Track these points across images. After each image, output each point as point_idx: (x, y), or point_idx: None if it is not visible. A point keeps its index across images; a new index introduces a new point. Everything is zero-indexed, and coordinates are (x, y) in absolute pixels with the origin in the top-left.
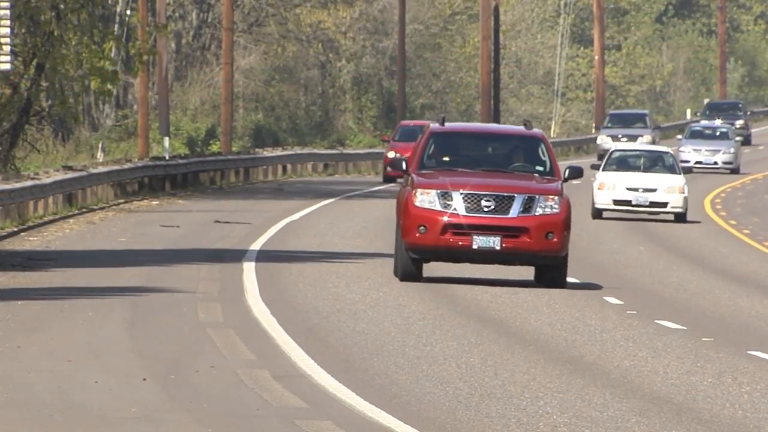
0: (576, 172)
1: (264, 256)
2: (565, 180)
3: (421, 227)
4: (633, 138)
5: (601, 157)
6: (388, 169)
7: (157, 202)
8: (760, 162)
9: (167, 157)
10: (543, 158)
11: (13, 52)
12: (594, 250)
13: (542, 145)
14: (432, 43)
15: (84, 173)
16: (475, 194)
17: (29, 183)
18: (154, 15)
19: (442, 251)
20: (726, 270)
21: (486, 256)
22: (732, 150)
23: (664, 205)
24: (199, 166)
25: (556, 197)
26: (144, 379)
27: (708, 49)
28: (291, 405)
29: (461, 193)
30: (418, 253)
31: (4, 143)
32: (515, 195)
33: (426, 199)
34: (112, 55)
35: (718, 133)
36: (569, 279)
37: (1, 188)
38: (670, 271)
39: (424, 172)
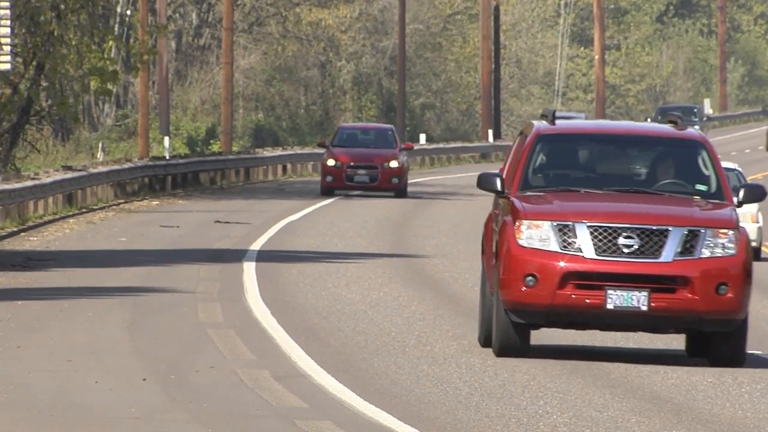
0: (757, 193)
1: (264, 256)
2: (740, 204)
3: (529, 277)
4: None
5: None
6: (328, 179)
7: (157, 202)
8: (758, 162)
9: (167, 157)
10: (706, 172)
11: (13, 52)
12: None
13: (704, 153)
14: (432, 42)
15: (84, 173)
16: (610, 227)
17: (29, 183)
18: (155, 15)
19: (560, 313)
20: None
21: (626, 321)
22: None
23: None
24: (199, 166)
25: (731, 231)
26: (144, 379)
27: (708, 49)
28: (291, 405)
29: (589, 226)
30: (525, 316)
31: (4, 143)
32: (669, 228)
33: (536, 235)
34: (112, 54)
35: None
36: None
37: (1, 188)
38: None
39: (529, 194)
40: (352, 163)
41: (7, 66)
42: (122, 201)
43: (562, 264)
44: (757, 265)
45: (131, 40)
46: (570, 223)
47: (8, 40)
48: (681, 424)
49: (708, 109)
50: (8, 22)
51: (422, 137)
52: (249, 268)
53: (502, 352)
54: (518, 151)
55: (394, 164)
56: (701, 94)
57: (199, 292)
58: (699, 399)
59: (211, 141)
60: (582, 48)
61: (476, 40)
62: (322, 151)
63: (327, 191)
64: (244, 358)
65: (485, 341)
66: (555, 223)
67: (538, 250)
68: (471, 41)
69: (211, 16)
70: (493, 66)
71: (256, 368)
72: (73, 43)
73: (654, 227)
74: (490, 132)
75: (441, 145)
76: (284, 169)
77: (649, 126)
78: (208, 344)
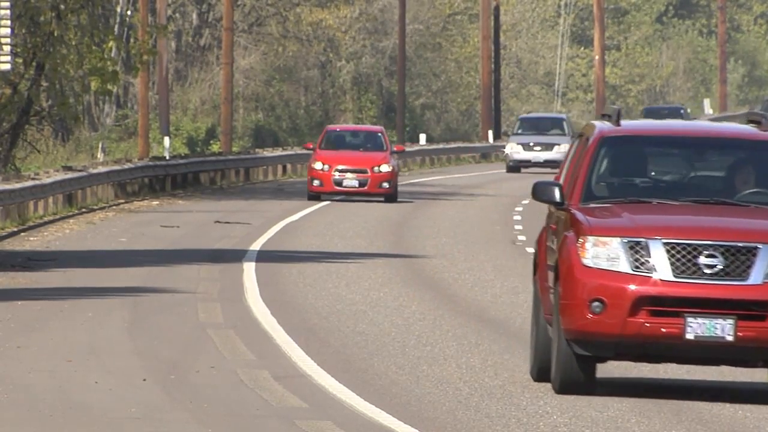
0: None
1: (264, 256)
2: None
3: (595, 303)
4: (548, 147)
5: (511, 170)
6: (314, 183)
7: (157, 202)
8: None
9: (167, 157)
10: None
11: (13, 52)
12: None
13: None
14: (432, 42)
15: (84, 173)
16: (689, 245)
17: (29, 183)
18: (155, 15)
19: (632, 344)
20: None
21: (708, 353)
22: None
23: None
24: (199, 166)
25: None
26: (144, 379)
27: (708, 49)
28: (291, 405)
29: (665, 243)
30: (590, 347)
31: (4, 143)
32: (759, 246)
33: (603, 253)
34: (113, 55)
35: None
36: None
37: (1, 188)
38: None
39: (593, 206)
40: (340, 167)
41: (7, 66)
42: (122, 201)
43: (633, 287)
44: None
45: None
46: (643, 239)
47: (8, 40)
48: (681, 424)
49: (708, 109)
50: (8, 22)
51: (422, 137)
52: (249, 268)
53: (564, 388)
54: (578, 156)
55: (384, 168)
56: (701, 94)
57: (199, 292)
58: (699, 399)
59: (211, 141)
60: (582, 48)
61: (476, 41)
62: None
63: (314, 196)
64: (244, 358)
65: (539, 374)
66: (625, 240)
67: (606, 271)
68: (471, 41)
69: (211, 16)
70: (493, 66)
71: (256, 368)
72: (73, 43)
73: (741, 244)
74: (490, 132)
75: (441, 146)
76: (284, 169)
77: (729, 127)
78: (208, 344)
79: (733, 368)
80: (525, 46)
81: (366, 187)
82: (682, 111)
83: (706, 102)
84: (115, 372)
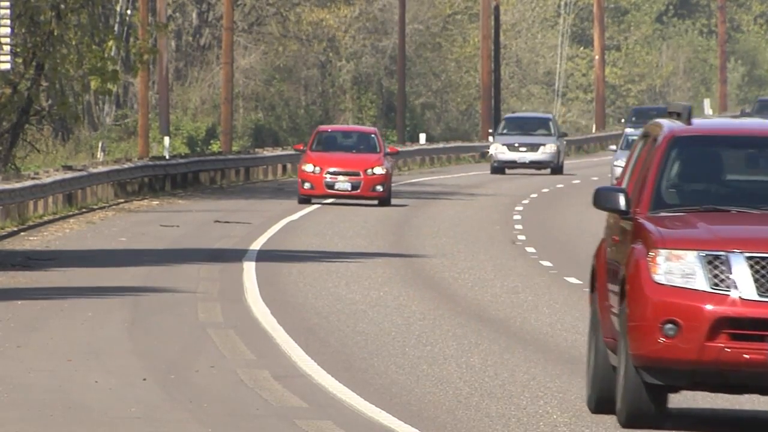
0: None
1: (264, 256)
2: None
3: (669, 325)
4: (533, 147)
5: (495, 171)
6: (305, 185)
7: (157, 202)
8: None
9: (167, 157)
10: None
11: (13, 52)
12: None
13: None
14: (432, 42)
15: (84, 173)
16: None
17: (29, 183)
18: (155, 14)
19: (710, 372)
20: None
21: None
22: None
23: None
24: (199, 165)
25: None
26: (144, 379)
27: (708, 49)
28: (291, 405)
29: (747, 258)
30: (663, 375)
31: (4, 143)
32: None
33: (677, 269)
34: (113, 54)
35: None
36: (569, 279)
37: (1, 188)
38: None
39: (664, 215)
40: (332, 169)
41: (7, 66)
42: (122, 201)
43: (712, 307)
44: None
45: (131, 40)
46: (722, 253)
47: (8, 40)
48: (681, 424)
49: (708, 110)
50: (8, 22)
51: (422, 137)
52: (249, 267)
53: (632, 420)
54: (645, 159)
55: (378, 171)
56: (701, 94)
57: (199, 292)
58: (699, 399)
59: (211, 141)
60: (582, 48)
61: (476, 40)
62: None
63: (305, 199)
64: (244, 358)
65: (598, 405)
66: (702, 254)
67: (681, 289)
68: (471, 41)
69: (211, 16)
70: (493, 66)
71: (256, 368)
72: (73, 43)
73: None
74: (490, 132)
75: (441, 145)
76: (284, 168)
77: None
78: (208, 344)
79: None
80: (525, 45)
81: (359, 190)
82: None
83: (706, 102)
84: (115, 372)
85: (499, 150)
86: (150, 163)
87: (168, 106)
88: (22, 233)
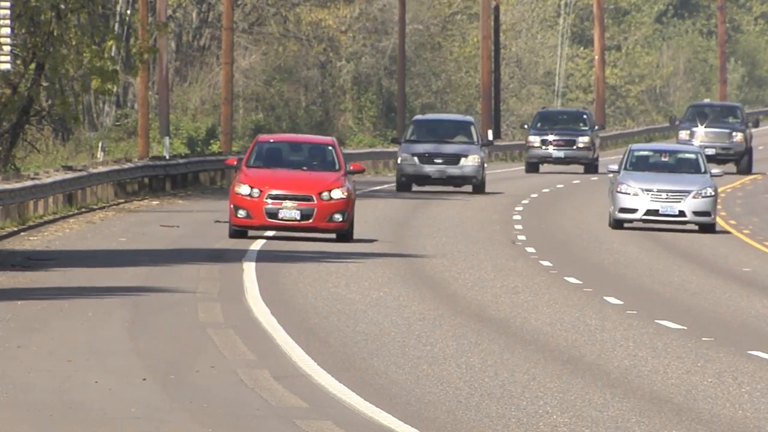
0: None
1: (264, 256)
2: None
3: None
4: (453, 159)
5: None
6: (239, 213)
7: (157, 202)
8: (760, 162)
9: (167, 157)
10: None
11: (13, 52)
12: (594, 250)
13: None
14: (432, 42)
15: (84, 173)
16: None
17: (29, 183)
18: (155, 14)
19: None
20: (726, 270)
21: None
22: None
23: None
24: (199, 166)
25: None
26: (144, 379)
27: (708, 49)
28: (291, 405)
29: None
30: None
31: (4, 143)
32: None
33: None
34: (113, 54)
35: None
36: (569, 279)
37: (1, 188)
38: (670, 271)
39: None
40: (274, 192)
41: (7, 66)
42: (122, 201)
43: None
44: (747, 258)
45: (131, 40)
46: None
47: (8, 40)
48: (681, 423)
49: None
50: (8, 22)
51: None
52: (249, 268)
53: None
54: None
55: (336, 194)
56: (701, 94)
57: (199, 292)
58: (699, 399)
59: (211, 141)
60: (582, 48)
61: (476, 40)
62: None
63: (238, 232)
64: (244, 358)
65: None
66: None
67: None
68: (471, 41)
69: (211, 16)
70: (493, 66)
71: (256, 368)
72: (73, 43)
73: None
74: (490, 132)
75: None
76: None
77: None
78: (208, 344)
79: (731, 368)
80: (525, 45)
81: (311, 221)
82: (585, 115)
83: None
84: (115, 372)
85: (407, 161)
86: (150, 163)
87: (168, 106)
88: (22, 233)
